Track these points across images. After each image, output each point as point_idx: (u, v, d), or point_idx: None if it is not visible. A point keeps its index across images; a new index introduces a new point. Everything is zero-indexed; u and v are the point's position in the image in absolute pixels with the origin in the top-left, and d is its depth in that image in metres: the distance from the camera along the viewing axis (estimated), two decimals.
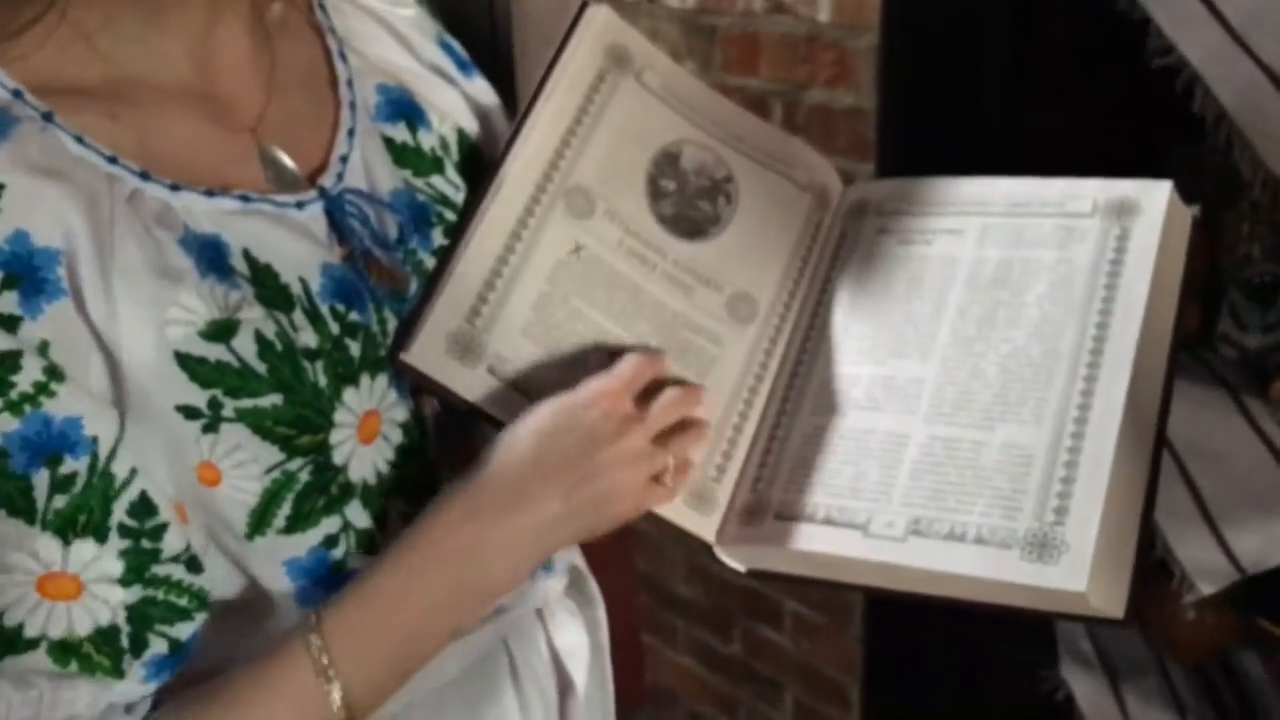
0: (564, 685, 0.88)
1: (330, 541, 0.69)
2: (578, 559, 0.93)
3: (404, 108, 0.78)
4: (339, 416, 0.67)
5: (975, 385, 0.74)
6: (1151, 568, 1.12)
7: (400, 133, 0.77)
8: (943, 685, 1.57)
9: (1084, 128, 1.27)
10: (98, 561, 0.61)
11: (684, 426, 0.74)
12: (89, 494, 0.60)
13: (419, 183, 0.77)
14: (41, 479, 0.59)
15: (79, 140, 0.63)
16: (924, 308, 0.79)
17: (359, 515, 0.70)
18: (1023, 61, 1.37)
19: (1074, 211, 0.78)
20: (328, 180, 0.72)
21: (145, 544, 0.62)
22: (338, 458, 0.67)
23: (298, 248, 0.68)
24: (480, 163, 0.81)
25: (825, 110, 1.59)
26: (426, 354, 0.71)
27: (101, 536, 0.61)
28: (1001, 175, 0.82)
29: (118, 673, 0.62)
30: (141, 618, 0.63)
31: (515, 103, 0.82)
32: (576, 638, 0.89)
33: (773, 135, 0.87)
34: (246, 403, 0.64)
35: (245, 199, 0.67)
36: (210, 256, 0.64)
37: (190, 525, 0.64)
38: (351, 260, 0.70)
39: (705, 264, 0.80)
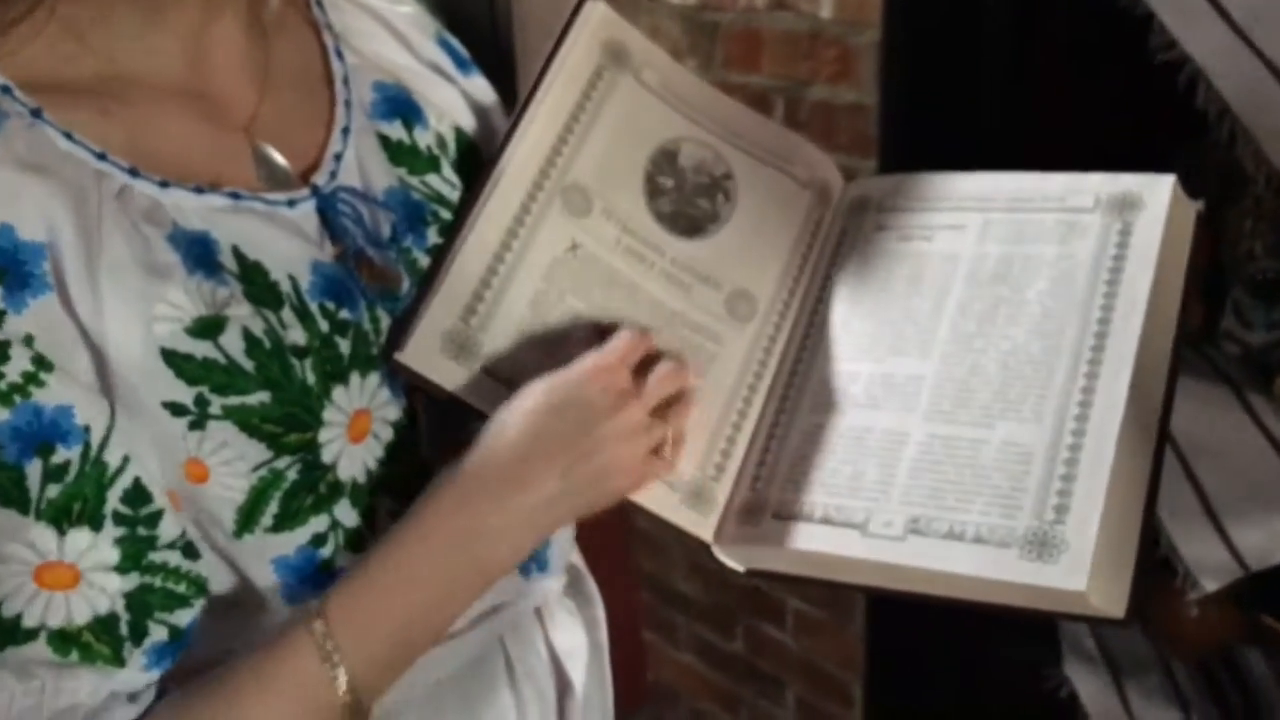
0: (563, 685, 0.87)
1: (318, 540, 0.69)
2: (576, 558, 0.93)
3: (400, 105, 0.78)
4: (328, 415, 0.67)
5: (975, 382, 0.74)
6: (1155, 565, 1.12)
7: (396, 130, 0.77)
8: (945, 683, 1.57)
9: (1086, 123, 1.27)
10: (94, 550, 0.61)
11: (677, 399, 0.73)
12: (82, 482, 0.60)
13: (414, 181, 0.76)
14: (34, 469, 0.59)
15: (68, 136, 0.63)
16: (924, 304, 0.78)
17: (347, 514, 0.69)
18: (1025, 57, 1.37)
19: (1076, 206, 0.78)
20: (320, 178, 0.72)
21: (141, 531, 0.62)
22: (326, 456, 0.67)
23: (288, 245, 0.68)
24: (478, 161, 0.80)
25: (827, 107, 1.59)
26: (421, 353, 0.70)
27: (97, 525, 0.61)
28: (1004, 170, 0.82)
29: (118, 661, 0.62)
30: (140, 605, 0.63)
31: (516, 100, 0.82)
32: (575, 637, 0.89)
33: (773, 132, 0.86)
34: (234, 400, 0.64)
35: (235, 196, 0.67)
36: (198, 253, 0.64)
37: (183, 515, 0.64)
38: (343, 259, 0.70)
39: (704, 262, 0.80)
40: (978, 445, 0.71)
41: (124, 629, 0.62)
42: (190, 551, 0.65)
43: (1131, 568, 0.66)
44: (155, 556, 0.63)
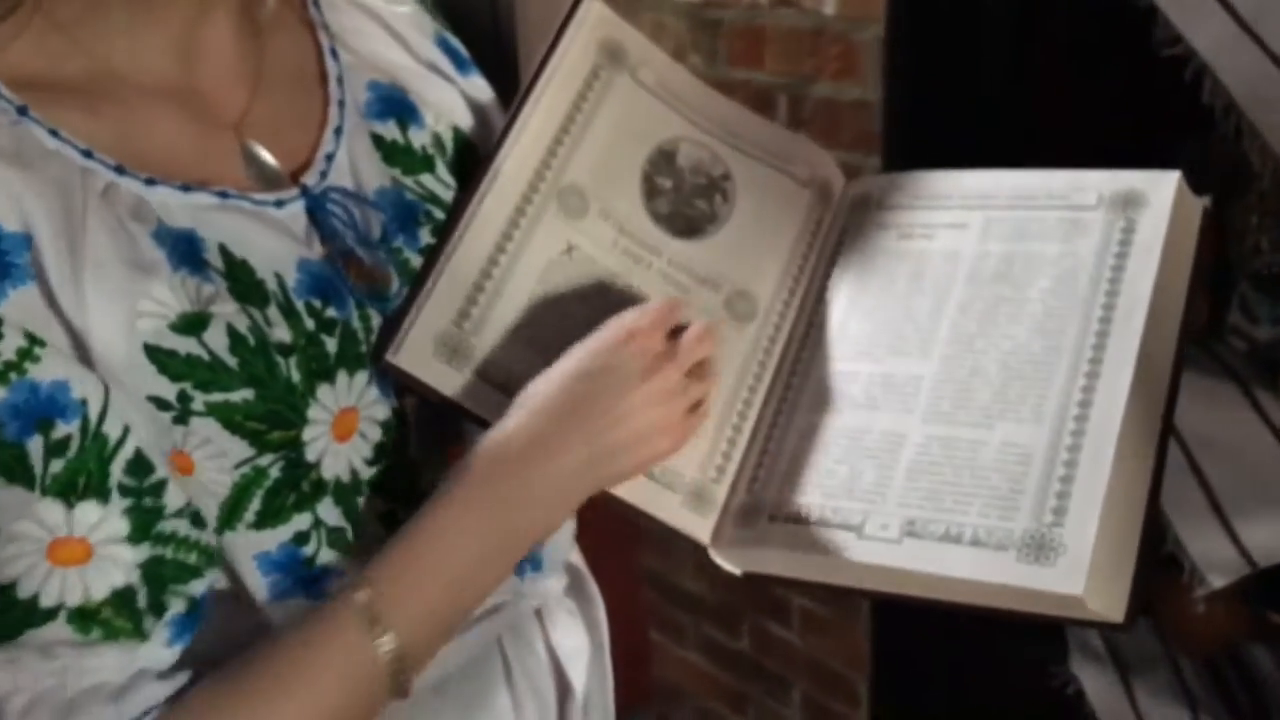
0: (563, 687, 0.87)
1: (300, 538, 0.69)
2: (576, 557, 0.92)
3: (395, 105, 0.78)
4: (312, 413, 0.67)
5: (975, 383, 0.73)
6: (1161, 562, 1.12)
7: (390, 130, 0.77)
8: (951, 681, 1.57)
9: (1091, 119, 1.26)
10: (104, 523, 0.61)
11: (700, 366, 0.74)
12: (85, 456, 0.60)
13: (408, 181, 0.76)
14: (35, 445, 0.59)
15: (54, 134, 0.63)
16: (924, 304, 0.77)
17: (331, 513, 0.69)
18: (1029, 53, 1.36)
19: (1079, 204, 0.77)
20: (311, 178, 0.71)
21: (147, 501, 0.62)
22: (310, 454, 0.67)
23: (274, 244, 0.68)
24: (475, 161, 0.80)
25: (831, 104, 1.59)
26: (413, 356, 0.70)
27: (103, 497, 0.61)
28: (1008, 167, 0.81)
29: (140, 634, 0.62)
30: (155, 578, 0.63)
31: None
32: (576, 639, 0.88)
33: (772, 131, 0.85)
34: (217, 396, 0.64)
35: (223, 195, 0.67)
36: (183, 250, 0.64)
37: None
38: (331, 258, 0.70)
39: (702, 263, 0.79)
40: (976, 446, 0.70)
41: (142, 601, 0.62)
42: (197, 520, 0.65)
43: (1132, 571, 0.65)
44: (164, 526, 0.63)
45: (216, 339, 0.64)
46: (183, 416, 0.63)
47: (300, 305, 0.67)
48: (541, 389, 0.68)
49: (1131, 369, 0.69)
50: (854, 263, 0.82)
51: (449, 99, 0.81)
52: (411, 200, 0.76)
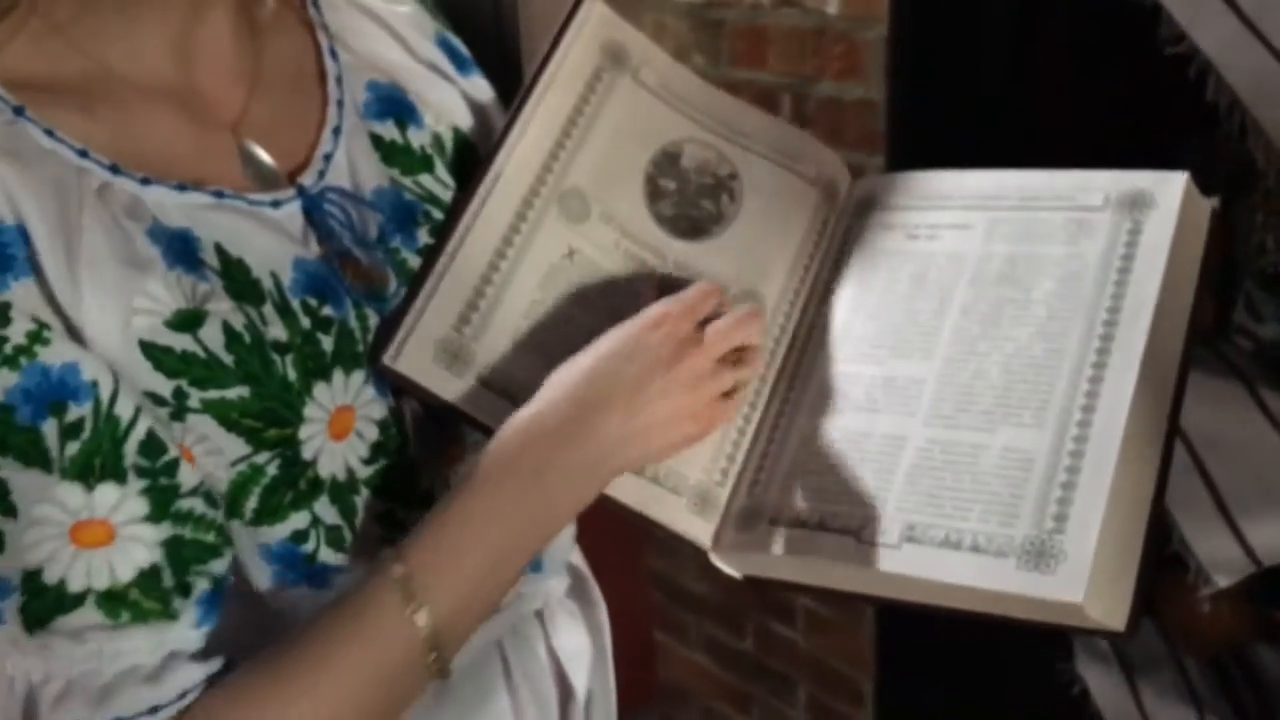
0: (565, 690, 0.87)
1: (299, 536, 0.69)
2: (578, 559, 0.92)
3: (394, 105, 0.78)
4: (309, 411, 0.67)
5: (977, 386, 0.72)
6: (1167, 561, 1.12)
7: (389, 130, 0.77)
8: (956, 681, 1.57)
9: (1094, 117, 1.26)
10: (123, 503, 0.61)
11: (741, 353, 0.74)
12: (99, 438, 0.60)
13: (406, 181, 0.76)
14: (50, 428, 0.59)
15: (50, 134, 0.63)
16: (928, 305, 0.77)
17: (328, 512, 0.69)
18: (1033, 52, 1.36)
19: (1085, 205, 0.76)
20: (308, 178, 0.72)
21: (163, 481, 0.62)
22: (306, 453, 0.67)
23: (270, 242, 0.68)
24: (475, 162, 0.80)
25: (834, 103, 1.58)
26: (413, 360, 0.70)
27: (120, 478, 0.61)
28: (1012, 166, 0.81)
29: (169, 614, 0.63)
30: (177, 558, 0.63)
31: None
32: (578, 641, 0.88)
33: (778, 129, 0.85)
34: (213, 394, 0.64)
35: (219, 195, 0.67)
36: (179, 248, 0.65)
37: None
38: (327, 258, 0.70)
39: (708, 264, 0.79)
40: (978, 451, 0.69)
41: (168, 581, 0.62)
42: (211, 500, 0.65)
43: (1133, 579, 0.64)
44: (181, 504, 0.63)
45: (212, 336, 0.64)
46: (179, 413, 0.63)
47: (296, 304, 0.68)
48: (573, 370, 0.69)
49: (1136, 374, 0.68)
50: (858, 263, 0.81)
51: (449, 99, 0.81)
52: (410, 200, 0.75)
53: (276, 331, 0.66)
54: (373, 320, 0.71)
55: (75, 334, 0.61)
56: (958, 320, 0.75)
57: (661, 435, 0.69)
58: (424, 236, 0.75)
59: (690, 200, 0.80)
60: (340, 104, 0.75)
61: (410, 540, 0.65)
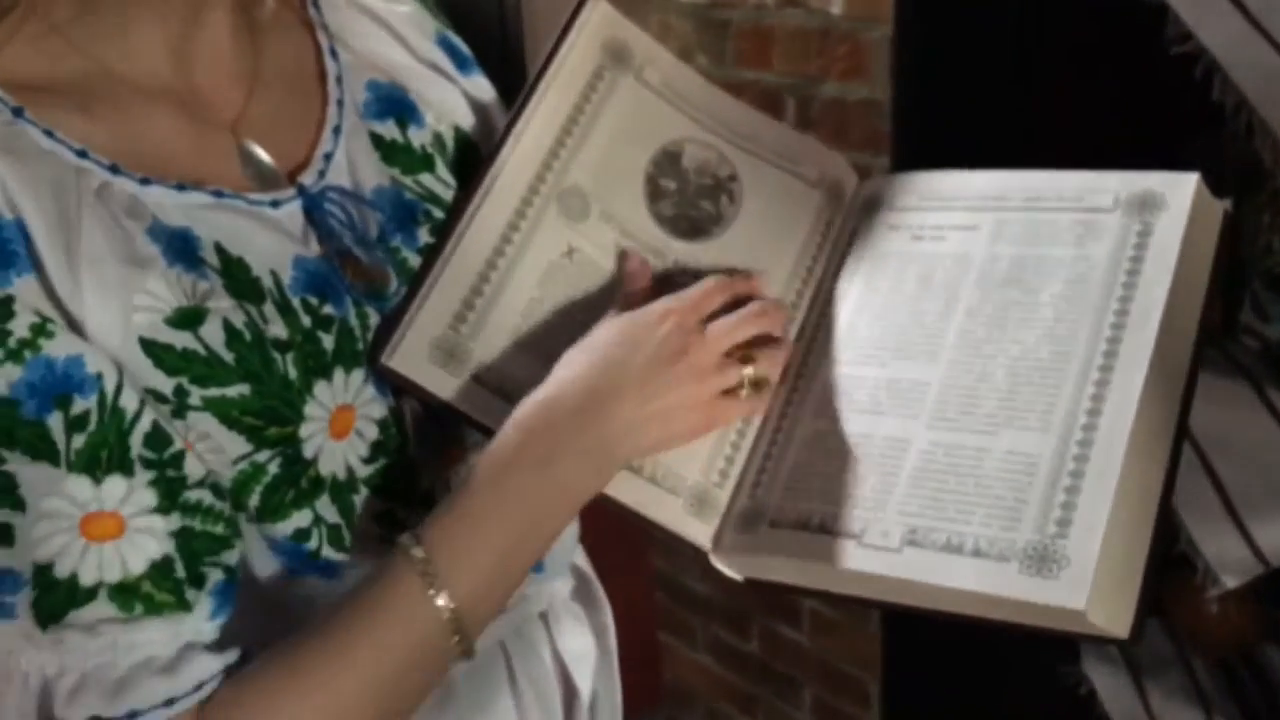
0: (569, 692, 0.87)
1: (302, 535, 0.69)
2: (582, 561, 0.92)
3: (394, 105, 0.78)
4: (309, 410, 0.67)
5: (982, 389, 0.71)
6: (1174, 561, 1.11)
7: (389, 130, 0.77)
8: (963, 682, 1.56)
9: (1100, 117, 1.26)
10: (132, 495, 0.61)
11: (764, 343, 0.74)
12: (105, 430, 0.61)
13: (407, 180, 0.76)
14: (56, 421, 0.60)
15: (49, 135, 0.63)
16: (933, 307, 0.76)
17: (329, 510, 0.69)
18: (1039, 51, 1.36)
19: (1094, 206, 0.75)
20: (308, 178, 0.72)
21: (170, 473, 0.63)
22: (307, 451, 0.67)
23: (270, 241, 0.68)
24: (476, 161, 0.80)
25: (839, 103, 1.58)
26: (409, 359, 0.70)
27: (127, 470, 0.61)
28: (1018, 166, 0.80)
29: (183, 605, 0.63)
30: (188, 550, 0.63)
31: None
32: (583, 643, 0.88)
33: (780, 132, 0.85)
34: (214, 392, 0.64)
35: (218, 195, 0.68)
36: (178, 247, 0.65)
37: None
38: (327, 257, 0.70)
39: (708, 264, 0.79)
40: (981, 454, 0.68)
41: (181, 572, 0.63)
42: (218, 491, 0.65)
43: (1138, 585, 0.63)
44: (190, 495, 0.63)
45: (213, 334, 0.64)
46: (180, 411, 0.63)
47: (296, 302, 0.68)
48: (582, 354, 0.69)
49: (1143, 378, 0.67)
50: (863, 264, 0.81)
51: (450, 98, 0.81)
52: (410, 200, 0.75)
53: (277, 330, 0.66)
54: (373, 319, 0.71)
55: (77, 330, 0.61)
56: (963, 322, 0.74)
57: (668, 424, 0.70)
58: (425, 235, 0.75)
59: (690, 201, 0.80)
60: (340, 103, 0.75)
61: (428, 525, 0.66)
